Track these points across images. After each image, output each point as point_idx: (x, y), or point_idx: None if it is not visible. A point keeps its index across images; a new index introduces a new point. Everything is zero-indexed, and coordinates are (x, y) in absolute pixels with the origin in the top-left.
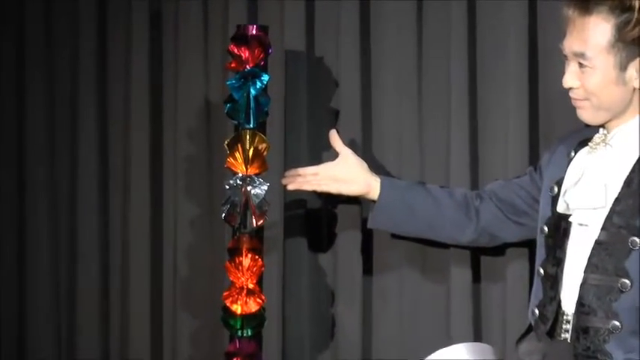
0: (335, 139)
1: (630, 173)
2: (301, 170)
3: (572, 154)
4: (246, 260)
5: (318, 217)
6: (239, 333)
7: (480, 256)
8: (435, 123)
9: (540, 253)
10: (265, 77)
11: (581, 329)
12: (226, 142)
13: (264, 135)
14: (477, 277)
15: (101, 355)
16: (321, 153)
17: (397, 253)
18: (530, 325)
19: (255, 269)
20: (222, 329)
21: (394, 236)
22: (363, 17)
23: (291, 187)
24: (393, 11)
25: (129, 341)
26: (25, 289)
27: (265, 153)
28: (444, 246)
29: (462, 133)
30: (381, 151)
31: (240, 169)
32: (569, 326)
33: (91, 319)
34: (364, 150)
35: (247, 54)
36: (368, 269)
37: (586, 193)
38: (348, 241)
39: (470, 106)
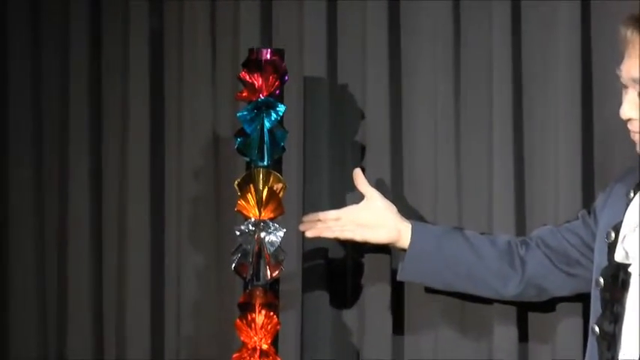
0: (360, 179)
1: None
2: (322, 215)
3: (632, 194)
4: (259, 317)
5: (342, 268)
6: None
7: (527, 312)
8: (475, 160)
9: (595, 308)
10: (281, 108)
11: None
12: (236, 182)
13: (280, 174)
14: (523, 336)
15: None
16: (345, 195)
17: (432, 309)
18: None
19: (269, 327)
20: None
21: (428, 290)
22: (392, 39)
23: (310, 234)
24: (428, 30)
25: None
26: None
27: (281, 194)
28: (486, 301)
29: (506, 172)
30: (412, 193)
31: (253, 213)
32: None
33: None
34: (393, 192)
35: (260, 81)
36: (398, 328)
37: None
38: (375, 296)
39: (514, 142)
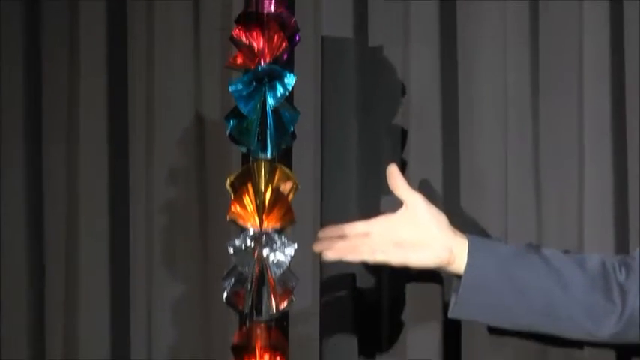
0: (397, 179)
1: None
2: (346, 228)
3: None
4: None
5: (374, 302)
6: None
7: (631, 358)
8: (560, 161)
9: None
10: (290, 79)
11: None
12: (229, 181)
13: (290, 169)
14: None
15: None
16: (378, 200)
17: (499, 356)
18: None
19: None
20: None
21: (493, 331)
22: None
23: (330, 255)
24: None
25: None
26: None
27: (291, 197)
28: (575, 344)
29: (602, 178)
30: (472, 200)
31: (252, 223)
32: None
33: None
34: (445, 197)
35: (261, 42)
36: None
37: None
38: (421, 340)
39: (614, 142)
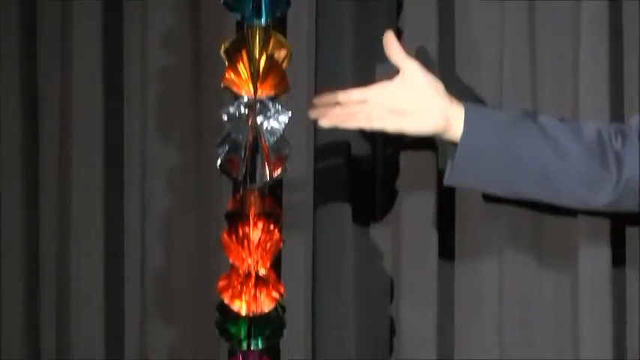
0: (393, 45)
1: None
2: (341, 95)
3: None
4: (255, 232)
5: (369, 170)
6: (244, 345)
7: (625, 227)
8: (558, 18)
9: None
10: None
11: None
12: (223, 48)
13: (284, 37)
14: (619, 260)
15: None
16: (373, 67)
17: (493, 225)
18: None
19: (269, 246)
20: (216, 344)
21: (488, 199)
22: None
23: (325, 122)
24: None
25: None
26: None
27: (285, 64)
28: (569, 213)
29: (599, 39)
30: (467, 65)
31: (245, 90)
32: None
33: None
34: (441, 63)
35: None
36: (447, 250)
37: None
38: (415, 208)
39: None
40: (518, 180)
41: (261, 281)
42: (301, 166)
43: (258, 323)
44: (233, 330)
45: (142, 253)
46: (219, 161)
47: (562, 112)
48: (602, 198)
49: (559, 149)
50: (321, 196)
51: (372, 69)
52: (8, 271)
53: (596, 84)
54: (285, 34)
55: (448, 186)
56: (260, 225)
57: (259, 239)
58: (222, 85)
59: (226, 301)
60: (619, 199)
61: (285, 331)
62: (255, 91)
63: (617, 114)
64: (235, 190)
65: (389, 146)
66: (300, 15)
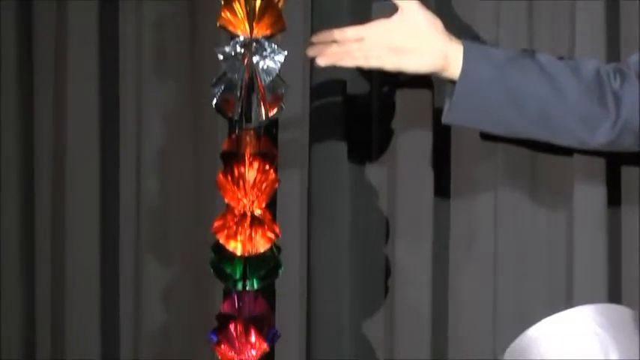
0: None
1: None
2: (338, 33)
3: None
4: (250, 171)
5: (365, 109)
6: (239, 285)
7: (621, 167)
8: None
9: None
10: None
11: None
12: None
13: None
14: (614, 199)
15: None
16: (369, 4)
17: (489, 162)
18: None
19: (264, 186)
20: (211, 283)
21: (485, 137)
22: None
23: (321, 61)
24: None
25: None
26: None
27: (281, 4)
28: (566, 152)
29: None
30: (463, 4)
31: (241, 29)
32: None
33: None
34: (437, 3)
35: None
36: (443, 188)
37: None
38: (411, 145)
39: None
40: (516, 118)
41: (256, 221)
42: (297, 106)
43: (254, 263)
44: (228, 270)
45: (137, 193)
46: (214, 101)
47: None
48: (600, 137)
49: (557, 86)
50: (317, 135)
51: (368, 7)
52: None
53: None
54: None
55: (446, 124)
56: (255, 165)
57: (255, 179)
58: (217, 24)
59: (222, 241)
60: (617, 139)
61: (280, 272)
62: (252, 31)
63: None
64: (231, 130)
65: (385, 84)
66: None
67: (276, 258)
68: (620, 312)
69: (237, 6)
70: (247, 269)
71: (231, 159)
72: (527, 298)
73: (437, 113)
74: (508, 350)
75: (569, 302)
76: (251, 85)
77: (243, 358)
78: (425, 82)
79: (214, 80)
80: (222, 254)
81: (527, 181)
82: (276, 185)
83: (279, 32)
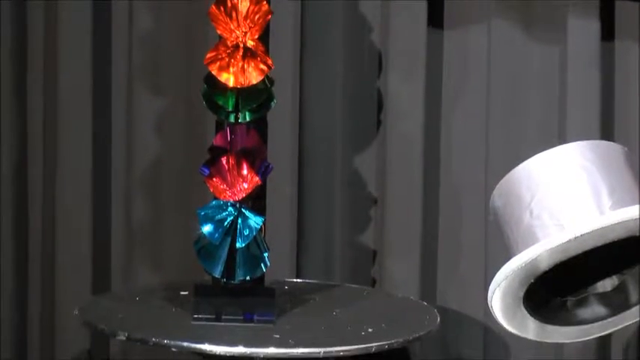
0: None
1: None
2: None
3: None
4: (243, 3)
5: None
6: (231, 117)
7: (614, 1)
8: None
9: None
10: None
11: None
12: None
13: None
14: (607, 33)
15: None
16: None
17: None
18: None
19: (257, 17)
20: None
21: None
22: None
23: None
24: None
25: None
26: None
27: None
28: None
29: None
30: None
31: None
32: None
33: None
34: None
35: None
36: (436, 20)
37: None
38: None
39: None
40: None
41: (249, 53)
42: None
43: (246, 95)
44: (221, 102)
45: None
46: None
47: None
48: None
49: None
50: None
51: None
52: None
53: None
54: None
55: None
56: None
57: (247, 10)
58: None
59: (214, 72)
60: None
61: (272, 104)
62: None
63: None
64: None
65: None
66: None
67: (268, 90)
68: (611, 148)
69: None
70: (240, 101)
71: None
72: (520, 132)
73: None
74: (498, 185)
75: (561, 138)
76: None
77: (235, 190)
78: None
79: None
80: (214, 86)
81: (521, 15)
82: (269, 17)
83: None
